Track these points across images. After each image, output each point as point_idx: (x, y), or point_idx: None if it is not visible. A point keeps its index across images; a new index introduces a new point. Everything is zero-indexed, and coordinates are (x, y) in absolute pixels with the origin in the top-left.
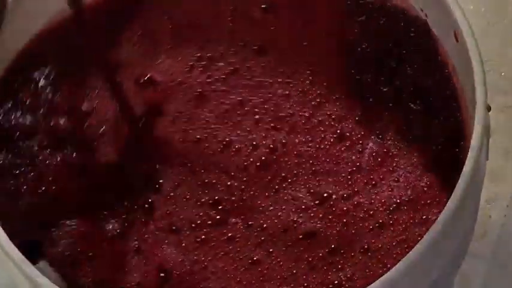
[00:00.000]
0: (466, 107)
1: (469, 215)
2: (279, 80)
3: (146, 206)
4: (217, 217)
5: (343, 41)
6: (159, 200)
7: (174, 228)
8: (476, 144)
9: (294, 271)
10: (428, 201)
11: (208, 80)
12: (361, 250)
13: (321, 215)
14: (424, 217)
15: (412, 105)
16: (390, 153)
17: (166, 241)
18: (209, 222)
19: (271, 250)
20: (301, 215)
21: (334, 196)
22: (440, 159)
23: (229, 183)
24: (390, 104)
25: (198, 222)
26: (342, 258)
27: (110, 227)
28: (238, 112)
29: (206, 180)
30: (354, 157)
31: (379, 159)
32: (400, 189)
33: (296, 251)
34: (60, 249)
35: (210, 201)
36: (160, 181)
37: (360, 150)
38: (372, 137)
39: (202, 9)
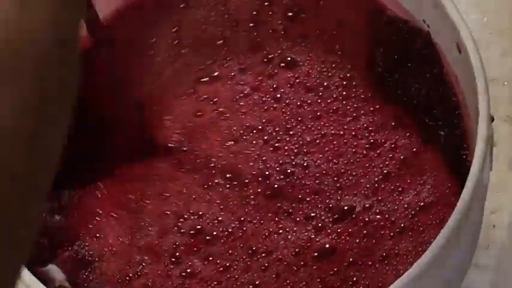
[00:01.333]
0: (470, 118)
1: (473, 225)
2: (308, 101)
3: None
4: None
5: (369, 50)
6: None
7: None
8: (479, 155)
9: None
10: (450, 203)
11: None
12: (380, 258)
13: (339, 230)
14: (442, 219)
15: (417, 117)
16: (419, 158)
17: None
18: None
19: (278, 272)
20: (315, 233)
21: (357, 209)
22: (454, 166)
23: (220, 218)
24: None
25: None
26: (357, 271)
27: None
28: (253, 139)
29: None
30: (382, 165)
31: (407, 164)
32: (424, 192)
33: (308, 270)
34: (71, 251)
35: (192, 232)
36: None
37: (391, 156)
38: (403, 141)
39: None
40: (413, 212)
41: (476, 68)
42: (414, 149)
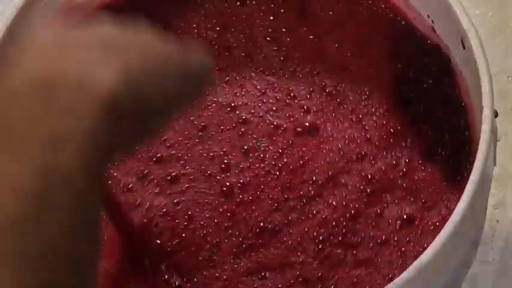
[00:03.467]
0: (474, 112)
1: (476, 220)
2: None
3: None
4: None
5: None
6: None
7: None
8: (483, 150)
9: None
10: (437, 209)
11: None
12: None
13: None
14: (432, 227)
15: (418, 110)
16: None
17: None
18: None
19: None
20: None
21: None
22: (447, 163)
23: None
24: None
25: None
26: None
27: None
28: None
29: None
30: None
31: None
32: (410, 202)
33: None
34: None
35: None
36: None
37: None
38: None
39: None
40: (397, 227)
41: (480, 62)
42: (411, 153)
